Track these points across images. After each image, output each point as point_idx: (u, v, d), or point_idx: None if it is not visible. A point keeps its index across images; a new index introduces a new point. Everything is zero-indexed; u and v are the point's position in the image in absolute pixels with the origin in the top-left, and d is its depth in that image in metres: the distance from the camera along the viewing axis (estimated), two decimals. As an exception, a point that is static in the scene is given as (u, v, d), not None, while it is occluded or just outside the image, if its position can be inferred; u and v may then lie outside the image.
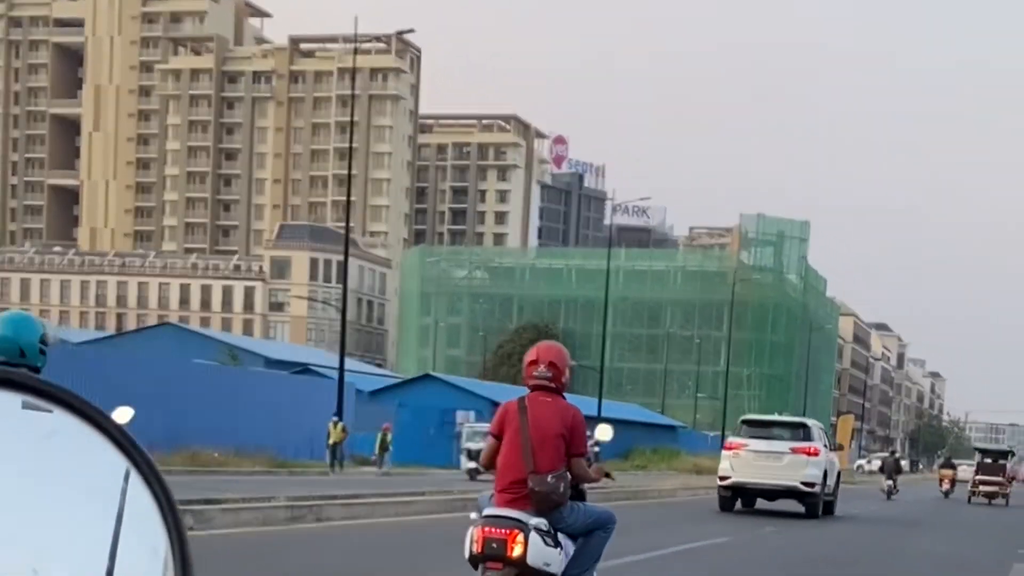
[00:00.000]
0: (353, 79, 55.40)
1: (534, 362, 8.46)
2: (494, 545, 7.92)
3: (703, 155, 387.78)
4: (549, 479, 8.06)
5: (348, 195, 52.98)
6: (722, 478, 29.02)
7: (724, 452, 29.13)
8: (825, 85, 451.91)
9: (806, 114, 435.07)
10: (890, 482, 48.54)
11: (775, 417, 34.60)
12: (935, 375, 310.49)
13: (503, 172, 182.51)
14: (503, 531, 7.93)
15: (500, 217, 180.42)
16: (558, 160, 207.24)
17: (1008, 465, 49.57)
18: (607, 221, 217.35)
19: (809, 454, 28.40)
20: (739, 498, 29.56)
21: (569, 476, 8.24)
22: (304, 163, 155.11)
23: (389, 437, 44.91)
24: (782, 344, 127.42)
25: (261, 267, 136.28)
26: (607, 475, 9.01)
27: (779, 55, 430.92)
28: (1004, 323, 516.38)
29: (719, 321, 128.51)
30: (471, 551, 8.04)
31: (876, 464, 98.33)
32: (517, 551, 7.88)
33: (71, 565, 1.00)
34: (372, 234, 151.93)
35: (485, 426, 42.90)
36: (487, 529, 7.98)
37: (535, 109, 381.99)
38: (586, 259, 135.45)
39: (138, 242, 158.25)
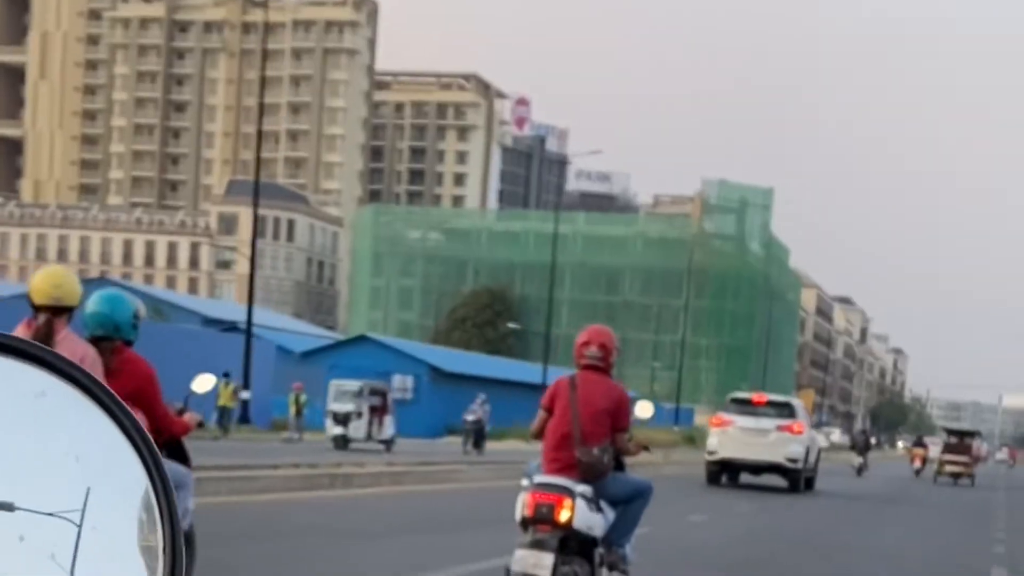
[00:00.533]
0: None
1: (586, 343, 9.04)
2: (544, 509, 8.50)
3: (669, 122, 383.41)
4: (595, 451, 8.73)
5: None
6: (710, 453, 30.20)
7: (712, 428, 30.27)
8: (801, 53, 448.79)
9: (778, 84, 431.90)
10: (860, 459, 50.11)
11: (761, 396, 34.79)
12: (898, 351, 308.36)
13: (463, 133, 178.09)
14: (552, 497, 8.50)
15: (459, 179, 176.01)
16: (520, 122, 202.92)
17: (974, 445, 49.97)
18: (569, 186, 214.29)
19: (793, 432, 30.04)
20: (726, 472, 30.65)
21: (613, 449, 8.90)
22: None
23: (303, 399, 40.79)
24: (743, 314, 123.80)
25: (208, 223, 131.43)
26: (645, 448, 9.92)
27: (749, 20, 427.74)
28: (967, 301, 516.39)
29: (679, 289, 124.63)
30: (523, 514, 8.62)
31: (835, 437, 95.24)
32: (565, 515, 8.47)
33: (48, 521, 1.00)
34: (325, 192, 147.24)
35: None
36: (538, 494, 8.57)
37: (496, 69, 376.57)
38: (544, 222, 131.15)
39: (84, 195, 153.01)
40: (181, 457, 8.08)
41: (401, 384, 49.88)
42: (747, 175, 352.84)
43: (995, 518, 26.55)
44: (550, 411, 8.95)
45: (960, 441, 48.83)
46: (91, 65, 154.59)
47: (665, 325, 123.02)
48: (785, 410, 31.33)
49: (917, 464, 53.94)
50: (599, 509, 8.78)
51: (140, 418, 3.24)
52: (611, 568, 9.03)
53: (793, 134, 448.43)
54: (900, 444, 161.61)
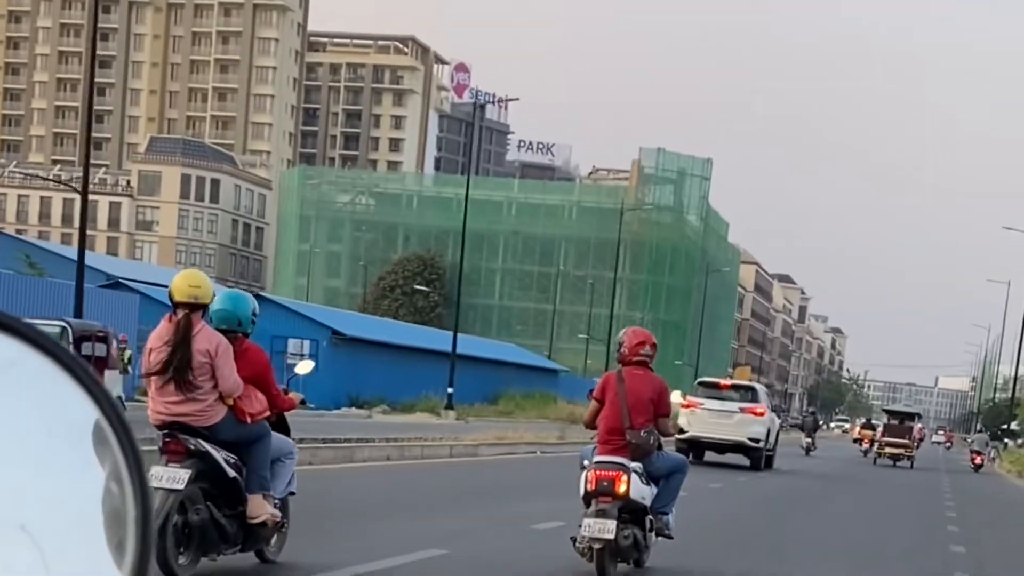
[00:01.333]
0: None
1: (642, 343, 11.09)
2: (605, 484, 10.22)
3: (613, 95, 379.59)
4: (642, 434, 10.62)
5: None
6: (680, 432, 30.34)
7: (682, 410, 30.87)
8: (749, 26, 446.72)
9: (724, 59, 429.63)
10: (809, 439, 53.31)
11: (728, 380, 38.88)
12: (836, 331, 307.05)
13: (399, 97, 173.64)
14: (611, 473, 10.26)
15: (395, 144, 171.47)
16: (459, 89, 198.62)
17: (915, 427, 49.99)
18: (510, 156, 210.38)
19: (756, 414, 32.35)
20: (692, 451, 31.11)
21: (656, 431, 10.83)
22: (183, 74, 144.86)
23: (127, 355, 33.96)
24: (679, 288, 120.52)
25: (129, 182, 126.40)
26: (681, 431, 16.07)
27: None
28: (905, 284, 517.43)
29: (614, 261, 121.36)
30: (586, 489, 10.33)
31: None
32: (622, 488, 10.22)
33: (17, 492, 1.00)
34: (253, 152, 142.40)
35: (54, 325, 31.78)
36: (599, 472, 10.30)
37: (436, 34, 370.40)
38: (478, 188, 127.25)
39: (4, 152, 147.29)
40: (284, 430, 9.70)
41: (296, 349, 45.84)
42: (689, 149, 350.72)
43: (945, 506, 26.14)
44: (601, 402, 10.82)
45: (900, 423, 48.61)
46: (13, 17, 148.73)
47: (600, 298, 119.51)
48: (748, 393, 34.17)
49: (866, 445, 54.84)
50: (648, 482, 10.60)
51: (258, 397, 8.38)
52: (658, 533, 10.93)
53: (735, 110, 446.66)
54: (833, 425, 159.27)
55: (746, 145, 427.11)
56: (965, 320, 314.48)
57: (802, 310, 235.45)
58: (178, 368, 8.53)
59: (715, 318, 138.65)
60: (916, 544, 17.57)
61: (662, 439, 11.00)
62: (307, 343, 46.79)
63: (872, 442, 53.64)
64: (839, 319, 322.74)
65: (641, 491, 10.44)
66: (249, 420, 8.84)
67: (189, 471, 8.36)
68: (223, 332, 8.83)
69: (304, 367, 11.80)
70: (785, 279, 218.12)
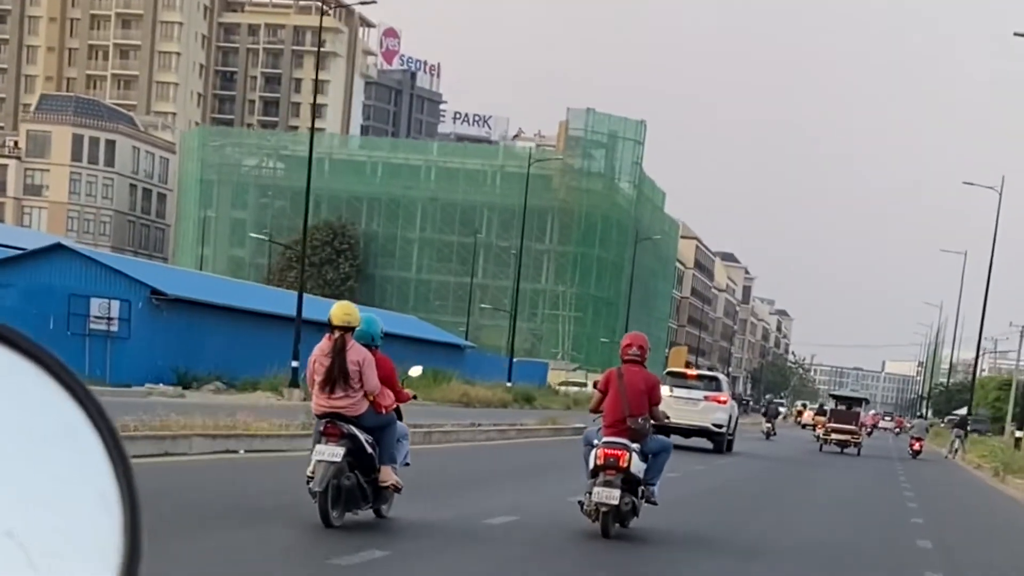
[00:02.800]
0: None
1: (629, 345, 13.90)
2: (611, 460, 13.00)
3: (550, 64, 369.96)
4: (639, 420, 13.40)
5: None
6: (593, 411, 27.91)
7: (597, 392, 26.68)
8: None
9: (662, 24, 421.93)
10: (768, 425, 57.53)
11: (694, 371, 41.10)
12: (782, 313, 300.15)
13: (322, 60, 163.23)
14: (616, 452, 13.05)
15: (317, 110, 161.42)
16: (388, 55, 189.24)
17: (861, 413, 49.63)
18: (445, 128, 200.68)
19: (719, 401, 35.67)
20: (660, 435, 28.59)
21: (649, 418, 13.63)
22: (83, 30, 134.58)
23: None
24: (611, 262, 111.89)
25: (16, 143, 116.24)
26: (667, 416, 14.97)
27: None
28: (851, 268, 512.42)
29: (542, 231, 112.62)
30: (594, 464, 13.11)
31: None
32: (625, 464, 13.01)
33: (2, 499, 0.99)
34: (157, 114, 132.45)
35: None
36: (606, 450, 13.07)
37: None
38: (394, 151, 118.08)
39: None
40: (399, 417, 13.26)
41: (101, 311, 36.70)
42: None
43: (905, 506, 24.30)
44: (604, 393, 13.71)
45: (847, 409, 47.94)
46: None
47: (526, 271, 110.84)
48: (712, 383, 37.23)
49: (820, 431, 54.05)
50: (643, 459, 13.47)
51: (388, 394, 12.61)
52: (647, 500, 13.73)
53: (668, 77, 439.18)
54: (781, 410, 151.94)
55: (696, 126, 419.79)
56: (913, 303, 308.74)
57: (746, 290, 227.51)
58: (339, 374, 12.13)
59: (651, 294, 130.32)
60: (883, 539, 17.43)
61: (653, 424, 13.78)
62: (116, 304, 37.65)
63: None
64: (785, 303, 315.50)
65: (638, 466, 13.28)
66: (383, 411, 12.58)
67: (343, 448, 11.94)
68: (365, 347, 12.54)
69: (415, 371, 16.46)
70: (729, 258, 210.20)
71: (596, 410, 13.97)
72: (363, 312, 13.09)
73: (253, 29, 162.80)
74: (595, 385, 14.45)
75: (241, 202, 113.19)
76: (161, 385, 35.80)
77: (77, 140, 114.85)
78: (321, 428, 12.06)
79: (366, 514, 12.64)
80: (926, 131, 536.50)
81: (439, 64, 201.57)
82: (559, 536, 13.26)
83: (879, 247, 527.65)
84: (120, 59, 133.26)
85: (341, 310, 12.38)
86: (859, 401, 50.12)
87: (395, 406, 12.95)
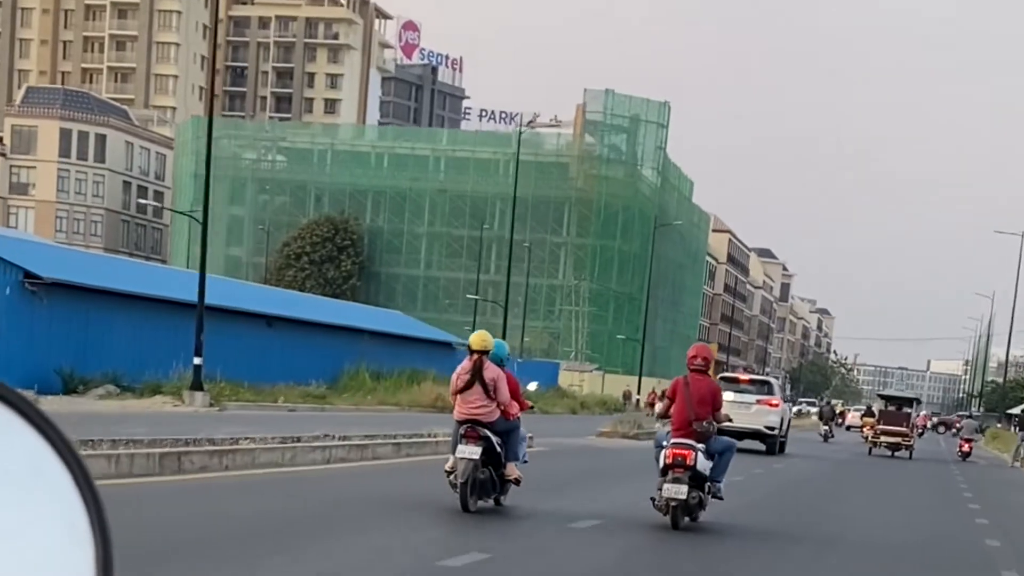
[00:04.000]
0: None
1: (695, 356, 15.03)
2: (678, 459, 14.15)
3: (577, 57, 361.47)
4: (704, 423, 14.54)
5: None
6: (662, 416, 28.16)
7: (666, 398, 24.79)
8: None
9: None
10: (826, 427, 58.09)
11: (745, 375, 43.57)
12: (823, 311, 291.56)
13: (335, 53, 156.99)
14: (684, 451, 14.19)
15: (331, 106, 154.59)
16: (408, 49, 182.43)
17: (912, 413, 46.55)
18: (470, 126, 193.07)
19: (771, 405, 37.14)
20: None
21: (713, 421, 14.73)
22: (77, 21, 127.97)
23: None
24: (633, 255, 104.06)
25: (1, 139, 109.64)
26: (729, 419, 16.19)
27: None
28: (895, 266, 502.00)
29: (559, 223, 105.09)
30: (664, 463, 14.34)
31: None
32: (692, 462, 14.14)
33: None
34: (156, 108, 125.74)
35: None
36: (674, 450, 14.24)
37: None
38: (400, 140, 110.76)
39: None
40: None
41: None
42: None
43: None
44: (672, 400, 14.86)
45: (898, 409, 45.53)
46: None
47: (541, 265, 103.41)
48: (764, 387, 38.74)
49: (868, 431, 54.01)
50: (708, 458, 14.56)
51: (514, 404, 15.28)
52: (713, 495, 14.85)
53: (700, 66, 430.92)
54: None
55: (740, 126, 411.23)
56: (960, 299, 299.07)
57: (784, 287, 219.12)
58: (480, 389, 14.67)
59: (679, 290, 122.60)
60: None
61: (717, 426, 14.95)
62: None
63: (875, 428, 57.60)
64: (827, 302, 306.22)
65: (704, 464, 14.40)
66: (510, 418, 15.08)
67: (480, 448, 14.43)
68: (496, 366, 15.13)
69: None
70: (766, 253, 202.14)
71: (665, 415, 15.35)
72: (478, 333, 15.81)
73: (264, 22, 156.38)
74: (662, 394, 17.64)
75: (239, 198, 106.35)
76: (34, 391, 28.45)
77: (65, 135, 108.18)
78: (462, 431, 14.62)
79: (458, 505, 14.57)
80: (975, 113, 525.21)
81: (461, 58, 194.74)
82: (640, 531, 14.27)
83: (924, 241, 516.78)
84: (116, 51, 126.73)
85: (479, 338, 15.16)
86: (910, 401, 47.43)
87: (518, 414, 15.36)
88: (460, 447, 14.45)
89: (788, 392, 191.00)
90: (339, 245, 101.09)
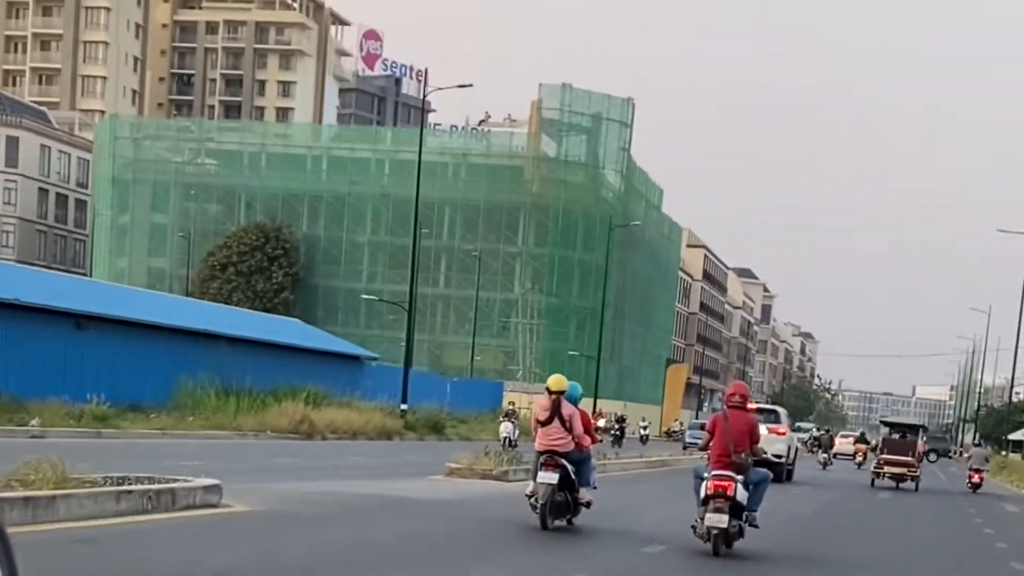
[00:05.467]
0: None
1: (733, 394, 15.71)
2: (719, 490, 14.62)
3: (546, 63, 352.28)
4: (743, 456, 15.07)
5: None
6: (703, 449, 27.91)
7: (706, 433, 24.74)
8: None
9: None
10: (825, 455, 57.43)
11: (753, 404, 30.45)
12: (807, 335, 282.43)
13: (287, 59, 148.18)
14: (724, 483, 14.68)
15: (283, 114, 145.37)
16: (370, 59, 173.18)
17: (919, 442, 42.56)
18: (433, 139, 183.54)
19: (778, 433, 37.56)
20: None
21: (751, 454, 15.30)
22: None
23: None
24: (596, 266, 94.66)
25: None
26: (765, 452, 18.82)
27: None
28: (880, 291, 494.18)
29: (513, 231, 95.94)
30: (705, 493, 14.77)
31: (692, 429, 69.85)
32: (731, 492, 14.66)
33: None
34: (83, 111, 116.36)
35: None
36: (715, 482, 14.69)
37: None
38: (339, 141, 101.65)
39: None
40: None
41: None
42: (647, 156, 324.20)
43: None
44: (712, 434, 15.39)
45: (902, 437, 42.35)
46: None
47: (494, 278, 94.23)
48: (771, 415, 38.67)
49: (859, 458, 58.72)
50: (746, 488, 15.07)
51: (586, 437, 16.89)
52: (750, 524, 15.37)
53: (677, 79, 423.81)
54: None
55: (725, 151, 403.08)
56: (946, 323, 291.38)
57: (765, 309, 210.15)
58: (558, 424, 16.22)
59: (648, 306, 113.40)
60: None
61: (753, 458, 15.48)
62: None
63: (866, 455, 57.56)
64: (811, 327, 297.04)
65: (743, 495, 14.97)
66: (583, 449, 16.67)
67: (557, 475, 16.06)
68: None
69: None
70: (745, 273, 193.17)
71: (705, 448, 15.97)
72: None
73: (211, 27, 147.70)
74: (702, 427, 21.24)
75: (162, 204, 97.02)
76: None
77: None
78: (542, 460, 16.26)
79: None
80: (962, 137, 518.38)
81: (426, 69, 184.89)
82: (697, 557, 14.80)
83: (910, 262, 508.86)
84: (40, 51, 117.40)
85: (556, 381, 16.59)
86: (916, 428, 44.15)
87: (590, 446, 17.14)
88: (540, 474, 16.25)
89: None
90: (270, 255, 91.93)
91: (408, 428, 44.56)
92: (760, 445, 32.97)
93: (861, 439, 65.25)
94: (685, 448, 59.74)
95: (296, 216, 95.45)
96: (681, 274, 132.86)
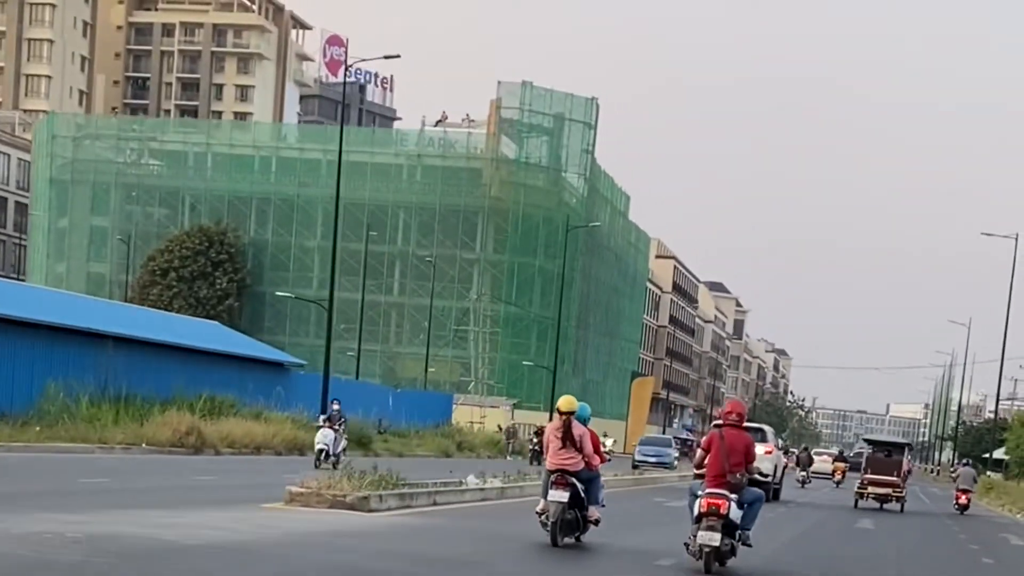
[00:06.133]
0: None
1: (730, 412, 15.67)
2: (713, 508, 14.64)
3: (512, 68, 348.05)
4: (737, 475, 15.01)
5: None
6: (697, 467, 27.35)
7: (700, 450, 24.54)
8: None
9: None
10: (804, 473, 57.45)
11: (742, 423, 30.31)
12: (781, 352, 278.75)
13: (245, 63, 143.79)
14: (718, 501, 14.68)
15: (241, 119, 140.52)
16: (334, 66, 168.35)
17: (905, 461, 40.82)
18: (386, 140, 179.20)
19: (765, 452, 35.62)
20: None
21: (745, 473, 15.23)
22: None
23: None
24: (557, 274, 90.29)
25: None
26: (760, 472, 20.43)
27: None
28: (853, 311, 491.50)
29: (471, 237, 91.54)
30: (699, 511, 14.76)
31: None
32: (725, 510, 14.66)
33: None
34: (26, 111, 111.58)
35: None
36: (709, 499, 14.71)
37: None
38: (285, 142, 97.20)
39: None
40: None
41: None
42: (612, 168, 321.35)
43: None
44: (707, 451, 15.32)
45: (887, 456, 40.30)
46: None
47: (451, 286, 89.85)
48: (758, 433, 36.24)
49: (838, 477, 59.89)
50: (740, 507, 15.05)
51: (595, 456, 17.40)
52: (743, 543, 15.39)
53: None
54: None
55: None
56: (920, 344, 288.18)
57: (738, 324, 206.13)
58: (569, 444, 16.68)
59: (614, 317, 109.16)
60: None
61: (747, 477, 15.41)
62: None
63: (844, 473, 59.56)
64: (784, 344, 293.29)
65: (736, 513, 14.91)
66: (593, 468, 17.08)
67: (567, 493, 16.53)
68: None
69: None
70: (717, 287, 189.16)
71: (700, 466, 15.64)
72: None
73: (168, 29, 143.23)
74: (697, 446, 18.45)
75: (102, 206, 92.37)
76: None
77: None
78: (553, 479, 16.71)
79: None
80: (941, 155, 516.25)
81: (392, 76, 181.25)
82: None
83: (886, 278, 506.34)
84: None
85: (567, 402, 17.08)
86: (901, 447, 42.32)
87: (599, 465, 17.53)
88: (551, 492, 16.70)
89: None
90: (214, 260, 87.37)
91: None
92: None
93: (840, 457, 66.04)
94: (635, 467, 54.87)
95: (243, 219, 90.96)
96: (650, 285, 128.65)
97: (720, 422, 16.00)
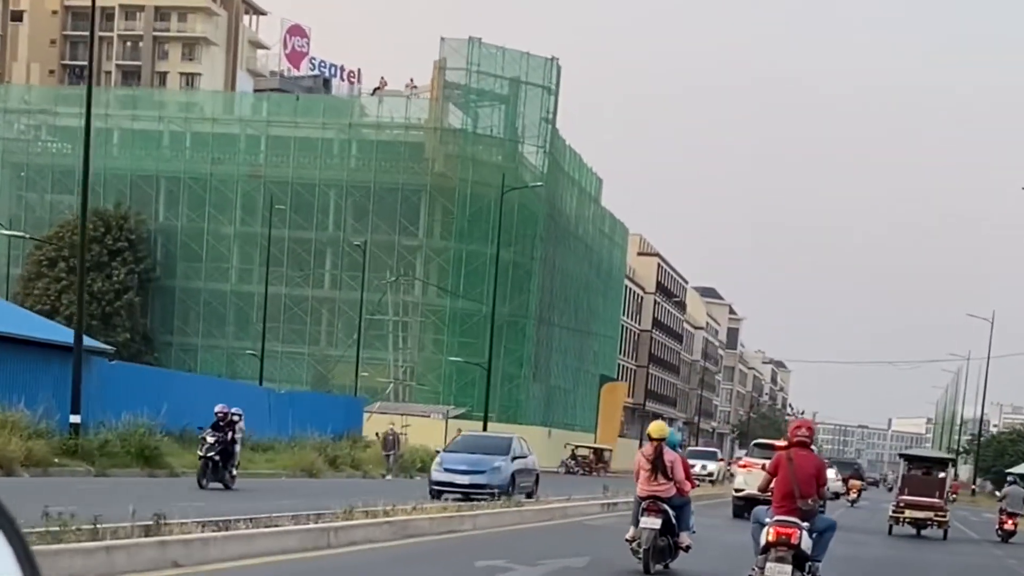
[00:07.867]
0: None
1: (799, 427, 14.64)
2: (783, 537, 13.51)
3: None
4: (809, 501, 13.81)
5: None
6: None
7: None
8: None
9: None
10: (855, 494, 56.38)
11: (778, 443, 32.60)
12: (779, 364, 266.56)
13: (190, 49, 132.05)
14: (788, 530, 13.56)
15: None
16: (295, 58, 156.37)
17: (948, 480, 35.73)
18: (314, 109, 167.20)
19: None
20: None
21: (818, 499, 14.13)
22: None
23: None
24: (516, 264, 78.31)
25: None
26: (835, 495, 34.41)
27: None
28: (854, 325, 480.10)
29: (412, 220, 79.50)
30: (766, 541, 13.69)
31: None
32: (795, 540, 13.49)
33: None
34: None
35: None
36: (777, 528, 13.60)
37: None
38: (195, 113, 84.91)
39: None
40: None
41: None
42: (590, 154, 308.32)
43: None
44: (773, 475, 14.13)
45: (926, 474, 35.03)
46: None
47: (389, 277, 77.79)
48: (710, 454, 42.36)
49: (853, 495, 56.76)
50: (810, 537, 13.83)
51: (686, 482, 17.58)
52: (813, 575, 14.23)
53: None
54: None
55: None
56: (928, 348, 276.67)
57: (732, 333, 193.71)
58: (660, 470, 16.56)
59: (585, 316, 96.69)
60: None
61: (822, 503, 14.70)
62: None
63: (860, 491, 58.69)
64: (782, 356, 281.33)
65: (807, 543, 13.78)
66: (684, 495, 16.97)
67: (660, 520, 16.38)
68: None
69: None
70: (709, 292, 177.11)
71: (765, 490, 14.61)
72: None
73: (107, 13, 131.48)
74: (762, 467, 19.16)
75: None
76: None
77: None
78: (644, 506, 16.63)
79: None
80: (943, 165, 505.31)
81: (359, 70, 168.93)
82: None
83: (887, 290, 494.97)
84: None
85: (657, 427, 17.20)
86: (943, 463, 36.94)
87: (689, 491, 17.48)
88: (643, 519, 16.60)
89: (732, 448, 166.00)
90: (111, 248, 75.34)
91: (79, 455, 28.06)
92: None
93: (856, 475, 62.84)
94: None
95: (148, 202, 78.92)
96: (631, 284, 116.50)
97: (784, 443, 15.29)
